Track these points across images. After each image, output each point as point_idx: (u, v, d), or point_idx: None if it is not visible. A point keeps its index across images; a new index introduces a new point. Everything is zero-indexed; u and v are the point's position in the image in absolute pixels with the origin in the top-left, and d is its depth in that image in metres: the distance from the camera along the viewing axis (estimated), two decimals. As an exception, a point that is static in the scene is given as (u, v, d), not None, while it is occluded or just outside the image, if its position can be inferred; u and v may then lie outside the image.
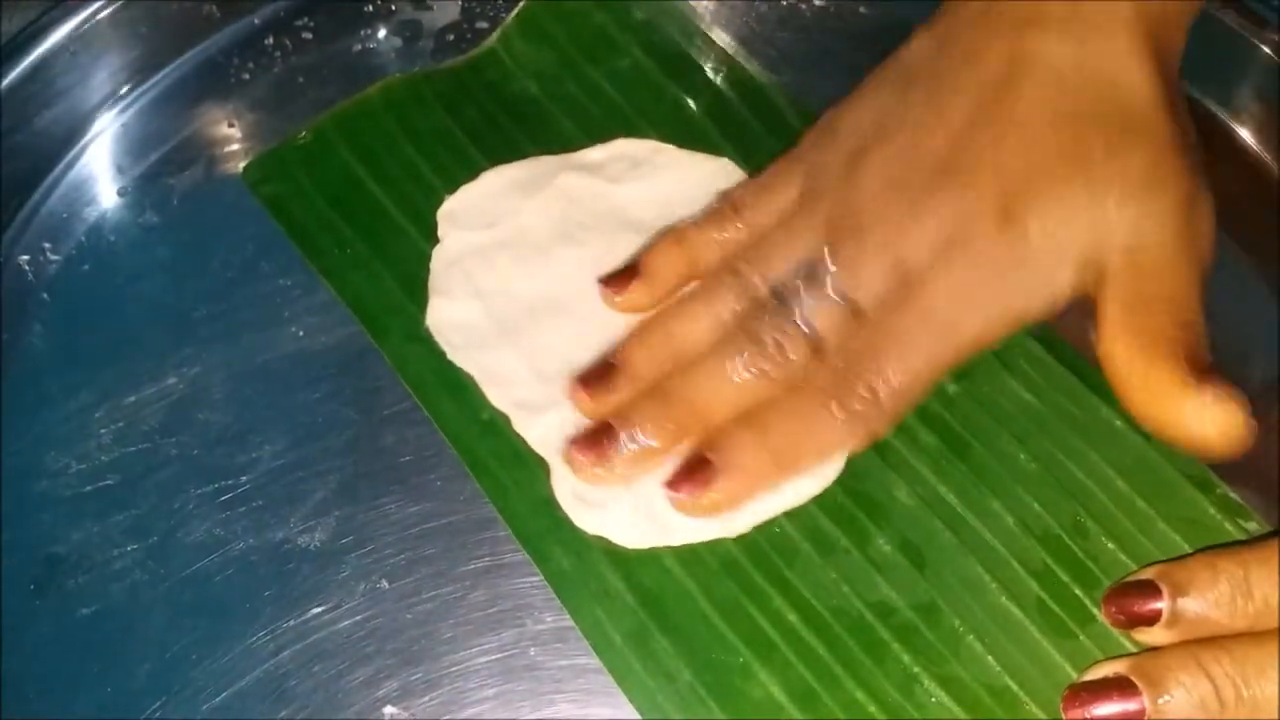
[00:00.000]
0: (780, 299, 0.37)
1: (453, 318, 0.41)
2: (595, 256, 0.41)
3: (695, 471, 0.36)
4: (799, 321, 0.36)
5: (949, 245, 0.36)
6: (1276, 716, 0.31)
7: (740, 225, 0.39)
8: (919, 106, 0.38)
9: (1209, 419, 0.34)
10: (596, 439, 0.37)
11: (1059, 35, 0.37)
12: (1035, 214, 0.35)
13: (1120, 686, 0.32)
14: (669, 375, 0.37)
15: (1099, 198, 0.35)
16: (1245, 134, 0.45)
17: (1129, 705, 0.32)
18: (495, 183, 0.43)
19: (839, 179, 0.38)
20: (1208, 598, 0.33)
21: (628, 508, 0.37)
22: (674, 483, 0.36)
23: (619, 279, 0.40)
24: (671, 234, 0.40)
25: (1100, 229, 0.35)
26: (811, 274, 0.37)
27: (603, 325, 0.40)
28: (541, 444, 0.38)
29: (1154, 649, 0.34)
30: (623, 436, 0.36)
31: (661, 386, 0.37)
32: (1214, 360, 0.35)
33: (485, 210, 0.43)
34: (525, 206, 0.43)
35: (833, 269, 0.37)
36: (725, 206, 0.40)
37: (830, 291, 0.36)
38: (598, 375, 0.38)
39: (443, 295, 0.41)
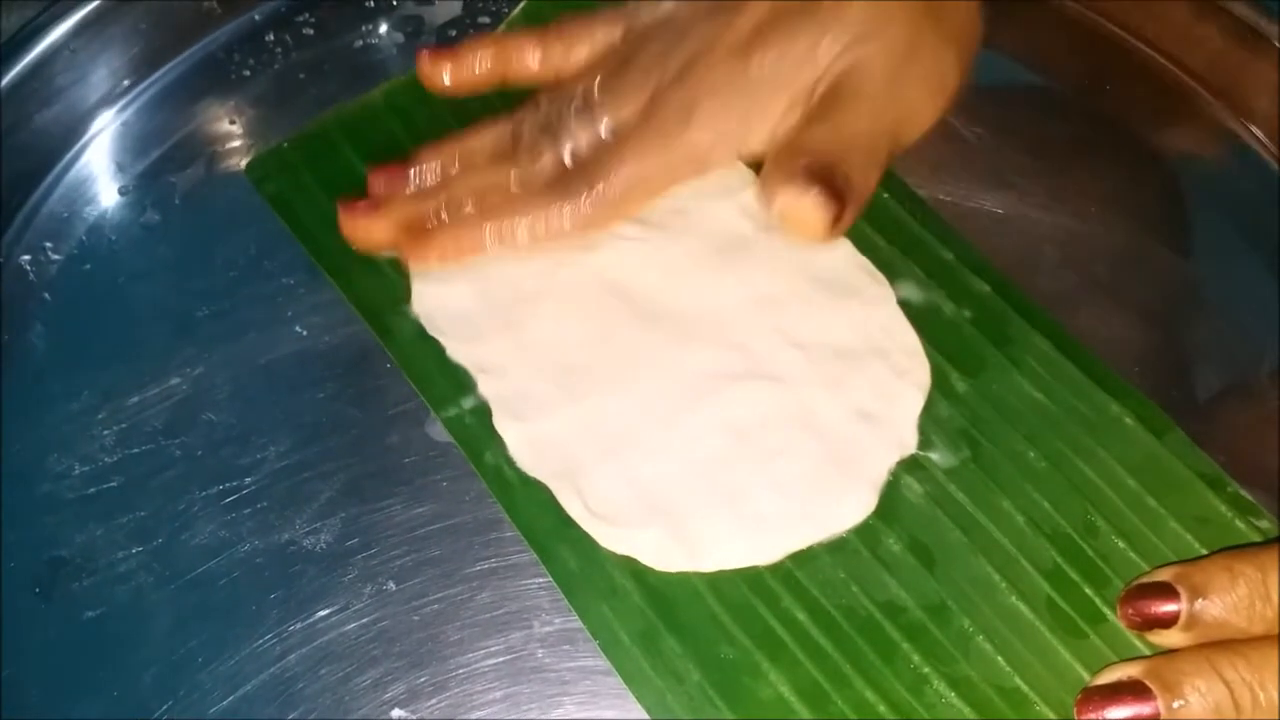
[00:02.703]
0: (556, 121, 0.41)
1: (445, 304, 0.41)
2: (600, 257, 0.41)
3: (424, 229, 0.41)
4: (563, 138, 0.41)
5: (690, 63, 0.41)
6: (1291, 720, 0.31)
7: (554, 43, 0.44)
8: None
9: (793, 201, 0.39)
10: (370, 208, 0.41)
11: None
12: (762, 48, 0.40)
13: (1134, 690, 0.32)
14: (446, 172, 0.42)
15: (814, 41, 0.40)
16: (1253, 129, 0.45)
17: (1143, 709, 0.32)
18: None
19: (627, 43, 0.43)
20: (1226, 601, 0.32)
21: (659, 530, 0.36)
22: (408, 240, 0.41)
23: (436, 50, 0.45)
24: (492, 36, 0.45)
25: (811, 69, 0.40)
26: (583, 103, 0.41)
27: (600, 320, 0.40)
28: (536, 469, 0.38)
29: (1168, 652, 0.33)
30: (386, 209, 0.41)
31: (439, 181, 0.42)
32: (1214, 351, 0.37)
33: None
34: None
35: (598, 96, 0.41)
36: (545, 30, 0.44)
37: (593, 115, 0.41)
38: (392, 167, 0.42)
39: (437, 281, 0.41)
